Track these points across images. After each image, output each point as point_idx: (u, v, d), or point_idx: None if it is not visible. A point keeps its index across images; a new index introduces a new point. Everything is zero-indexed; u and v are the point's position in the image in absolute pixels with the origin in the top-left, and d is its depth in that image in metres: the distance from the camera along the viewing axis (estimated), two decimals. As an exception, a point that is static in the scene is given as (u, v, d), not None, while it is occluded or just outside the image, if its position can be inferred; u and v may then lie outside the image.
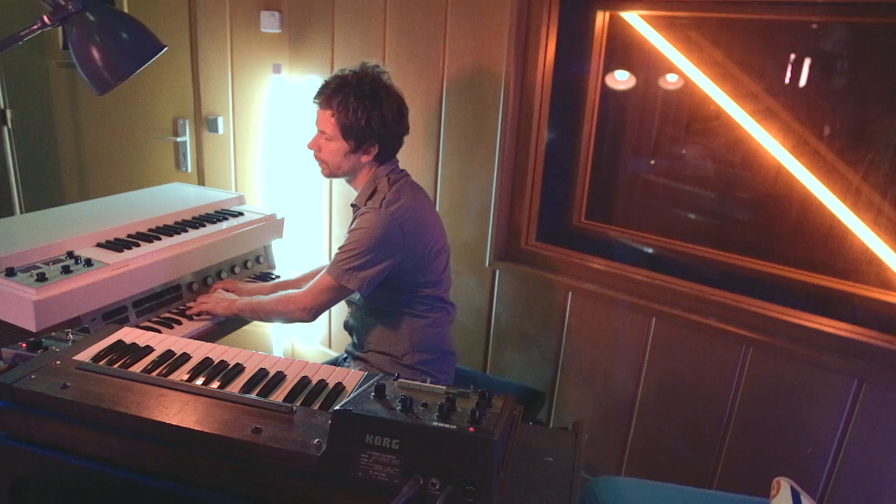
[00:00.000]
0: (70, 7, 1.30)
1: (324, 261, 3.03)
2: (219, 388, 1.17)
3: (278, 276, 2.46)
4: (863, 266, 2.04)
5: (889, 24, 1.98)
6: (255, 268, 2.51)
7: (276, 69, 2.87)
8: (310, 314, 1.90)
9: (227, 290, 2.19)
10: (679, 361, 2.17)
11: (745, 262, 2.25)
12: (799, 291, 2.11)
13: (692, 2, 2.23)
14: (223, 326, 2.15)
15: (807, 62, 2.13)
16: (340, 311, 2.30)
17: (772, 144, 2.22)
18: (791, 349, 1.94)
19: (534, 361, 2.51)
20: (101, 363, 1.22)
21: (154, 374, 1.20)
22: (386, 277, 1.86)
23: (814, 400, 1.93)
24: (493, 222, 2.50)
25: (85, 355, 1.25)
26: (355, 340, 2.10)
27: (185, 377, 1.19)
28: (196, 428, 1.03)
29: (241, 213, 2.50)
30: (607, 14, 2.47)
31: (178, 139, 3.19)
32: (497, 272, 2.54)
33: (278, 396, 1.15)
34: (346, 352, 2.14)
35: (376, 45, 2.63)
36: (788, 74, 2.15)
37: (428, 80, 2.51)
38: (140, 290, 2.04)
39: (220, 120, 3.08)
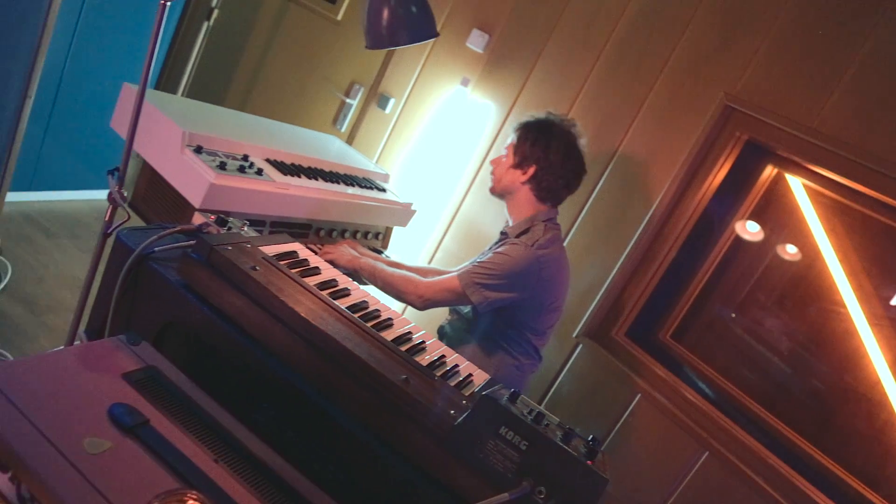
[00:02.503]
0: (390, -29, 1.49)
1: (419, 262, 3.18)
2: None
3: (388, 257, 2.61)
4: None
5: None
6: (371, 242, 2.67)
7: (464, 82, 3.06)
8: (423, 304, 2.03)
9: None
10: (712, 502, 2.23)
11: (803, 444, 2.31)
12: (843, 491, 2.16)
13: (860, 194, 2.33)
14: (334, 278, 2.30)
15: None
16: (438, 315, 2.42)
17: (873, 348, 2.30)
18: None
19: (572, 440, 2.59)
20: (281, 263, 1.37)
21: (324, 293, 1.34)
22: (504, 307, 1.99)
23: None
24: (596, 302, 2.62)
25: (269, 250, 1.40)
26: (443, 348, 2.23)
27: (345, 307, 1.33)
28: (356, 353, 1.16)
29: (384, 190, 2.67)
30: (775, 170, 2.59)
31: (347, 100, 3.40)
32: (580, 346, 2.64)
33: (421, 362, 1.28)
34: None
35: (566, 101, 2.80)
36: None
37: (599, 151, 2.65)
38: (283, 214, 2.21)
39: (392, 101, 3.28)
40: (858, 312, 2.36)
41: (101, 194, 3.97)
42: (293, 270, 1.37)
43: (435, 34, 1.60)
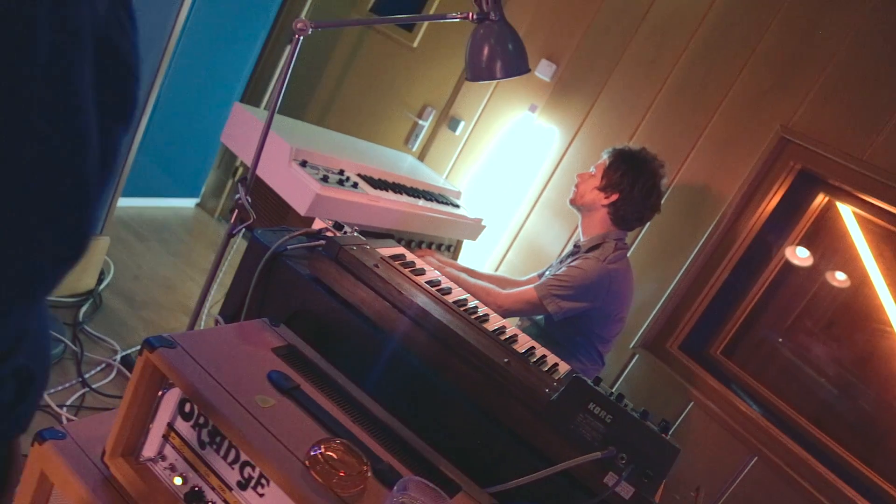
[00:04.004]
0: (491, 15, 1.72)
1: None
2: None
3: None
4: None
5: None
6: (443, 253, 2.89)
7: (533, 108, 3.28)
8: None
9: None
10: (760, 501, 2.39)
11: (849, 456, 2.45)
12: (889, 500, 2.31)
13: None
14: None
15: None
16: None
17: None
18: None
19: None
20: (396, 263, 1.60)
21: (431, 289, 1.57)
22: (575, 316, 2.19)
23: None
24: (653, 316, 2.80)
25: (383, 252, 1.63)
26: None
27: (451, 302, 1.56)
28: (466, 338, 1.38)
29: (458, 206, 2.90)
30: (826, 198, 2.75)
31: (420, 121, 3.66)
32: (636, 356, 2.83)
33: (517, 349, 1.50)
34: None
35: (628, 129, 3.00)
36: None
37: (657, 178, 2.85)
38: (370, 224, 2.45)
39: (462, 123, 3.52)
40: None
41: (184, 203, 4.29)
42: (405, 270, 1.60)
43: (527, 70, 1.83)
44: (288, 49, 4.13)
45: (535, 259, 3.18)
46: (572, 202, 2.39)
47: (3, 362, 0.56)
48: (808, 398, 2.69)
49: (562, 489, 1.25)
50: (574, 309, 2.19)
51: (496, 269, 3.36)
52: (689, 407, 2.64)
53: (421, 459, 1.25)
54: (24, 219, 0.47)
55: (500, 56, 1.77)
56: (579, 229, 2.39)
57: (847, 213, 2.71)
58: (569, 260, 2.32)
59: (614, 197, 2.27)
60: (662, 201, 2.66)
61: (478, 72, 1.79)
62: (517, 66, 1.79)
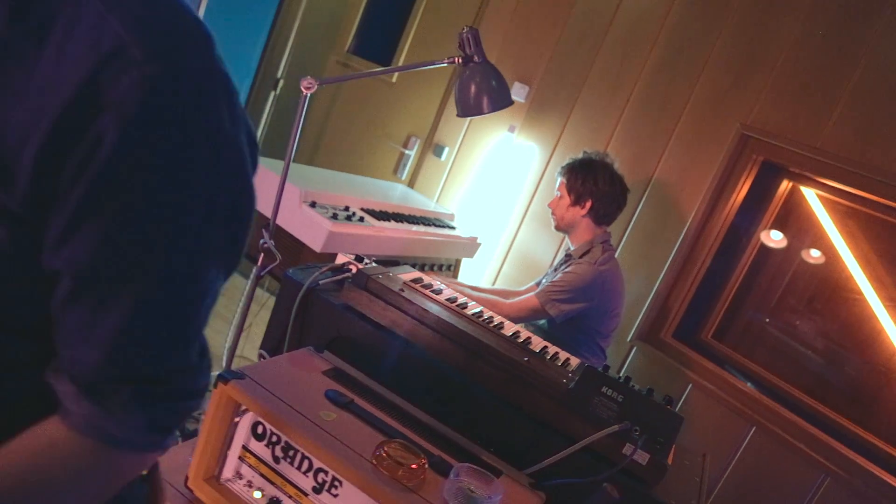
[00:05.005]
0: (475, 58, 1.95)
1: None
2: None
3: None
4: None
5: None
6: (445, 273, 3.11)
7: (511, 129, 3.51)
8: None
9: (435, 279, 2.79)
10: (763, 470, 2.60)
11: (837, 417, 2.68)
12: (882, 454, 2.53)
13: (865, 199, 2.72)
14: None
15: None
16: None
17: (889, 326, 2.67)
18: (864, 490, 2.36)
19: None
20: (417, 285, 1.81)
21: (452, 305, 1.77)
22: (575, 316, 2.41)
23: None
24: (645, 310, 3.02)
25: (404, 277, 1.84)
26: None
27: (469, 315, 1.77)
28: (489, 343, 1.59)
29: (453, 227, 3.11)
30: (790, 184, 2.99)
31: (406, 151, 3.88)
32: (634, 348, 3.04)
33: (533, 349, 1.71)
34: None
35: (603, 138, 3.24)
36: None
37: (636, 179, 3.07)
38: (377, 253, 2.65)
39: (446, 149, 3.74)
40: (875, 298, 2.74)
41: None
42: (426, 290, 1.80)
43: (510, 102, 2.05)
44: (272, 96, 4.36)
45: (530, 269, 3.39)
46: (557, 228, 2.62)
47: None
48: (797, 369, 2.91)
49: (587, 463, 1.45)
50: (573, 310, 2.40)
51: (494, 282, 3.57)
52: (689, 389, 2.86)
53: (464, 451, 1.45)
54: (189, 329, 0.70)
55: (485, 93, 1.99)
56: (567, 241, 2.62)
57: (811, 195, 2.96)
58: (563, 267, 2.54)
59: (588, 203, 2.50)
60: (642, 201, 2.89)
61: (467, 109, 2.01)
62: (501, 100, 2.01)
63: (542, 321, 2.52)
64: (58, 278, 0.61)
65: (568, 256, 2.58)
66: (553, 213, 2.61)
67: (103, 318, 0.62)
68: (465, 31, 1.96)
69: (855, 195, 2.74)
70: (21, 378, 0.67)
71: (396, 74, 3.97)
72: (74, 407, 0.64)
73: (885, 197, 2.59)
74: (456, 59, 1.96)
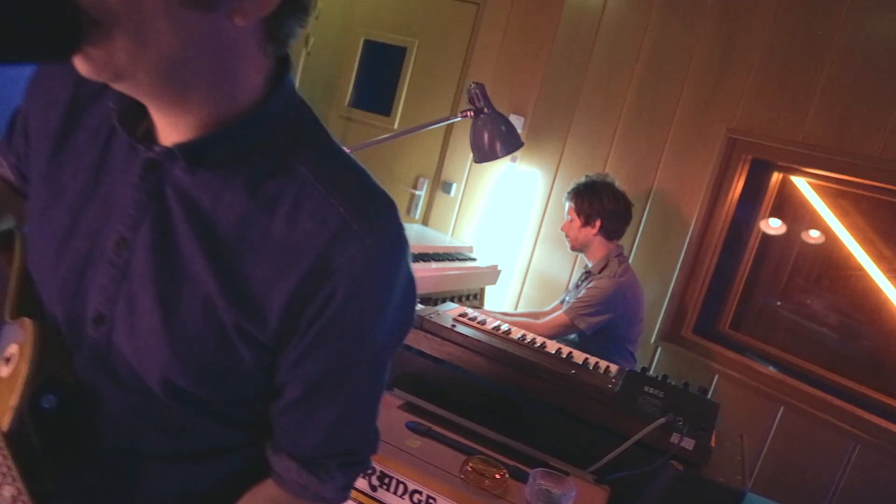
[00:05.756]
0: (485, 109, 2.18)
1: (506, 309, 3.80)
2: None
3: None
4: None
5: None
6: (472, 302, 3.32)
7: (513, 159, 3.74)
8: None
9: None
10: (797, 446, 2.79)
11: (858, 386, 2.87)
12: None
13: (851, 181, 2.94)
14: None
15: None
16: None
17: (892, 294, 2.88)
18: (893, 451, 2.55)
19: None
20: (464, 318, 2.02)
21: (498, 332, 1.99)
22: (603, 327, 2.62)
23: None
24: (664, 311, 3.23)
25: (451, 313, 2.05)
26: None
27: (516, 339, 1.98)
28: (538, 362, 1.80)
29: (474, 259, 3.33)
30: (781, 175, 3.22)
31: (416, 192, 4.11)
32: (659, 348, 3.25)
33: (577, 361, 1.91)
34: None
35: (601, 157, 3.47)
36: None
37: (638, 191, 3.29)
38: (412, 293, 2.86)
39: (454, 185, 3.97)
40: (877, 272, 2.95)
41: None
42: (474, 322, 2.02)
43: (520, 144, 2.27)
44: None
45: (549, 287, 3.60)
46: (573, 249, 2.85)
47: None
48: (814, 347, 3.11)
49: (640, 455, 1.65)
50: (601, 321, 2.61)
51: (516, 304, 3.78)
52: (716, 379, 3.06)
53: (533, 458, 1.65)
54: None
55: (498, 139, 2.22)
56: (584, 259, 2.83)
57: (801, 183, 3.18)
58: (584, 283, 2.75)
59: (598, 222, 2.72)
60: (645, 211, 3.11)
61: (483, 155, 2.24)
62: (513, 143, 2.24)
63: (573, 335, 2.73)
64: (282, 388, 0.84)
65: (588, 273, 2.80)
66: (567, 236, 2.83)
67: (322, 414, 0.84)
68: (472, 87, 2.20)
69: (841, 179, 2.96)
70: (236, 457, 0.91)
71: (397, 121, 4.22)
72: (294, 476, 0.87)
73: (867, 178, 2.81)
74: (468, 112, 2.20)
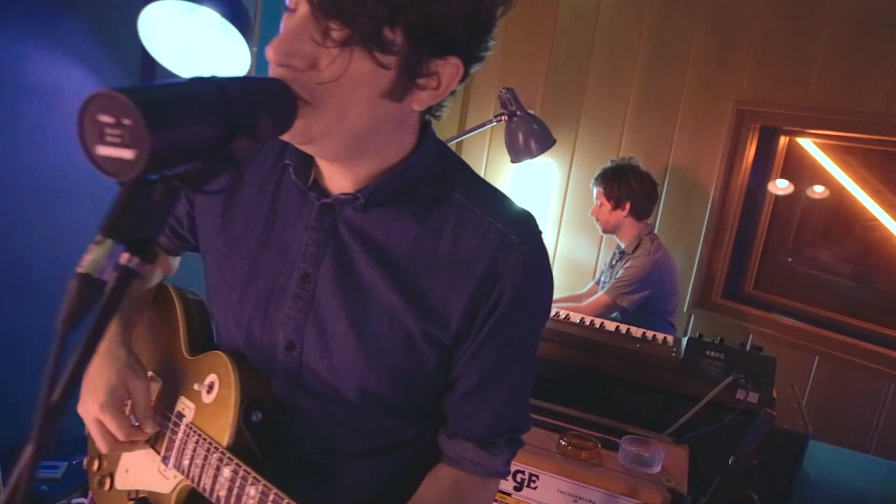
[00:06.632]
0: (518, 112, 2.34)
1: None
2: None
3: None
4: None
5: None
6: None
7: (528, 152, 3.90)
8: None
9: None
10: (837, 391, 2.96)
11: (885, 329, 3.05)
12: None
13: (857, 137, 3.11)
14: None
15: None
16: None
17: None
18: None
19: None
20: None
21: (558, 319, 2.14)
22: (643, 303, 2.78)
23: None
24: (693, 280, 3.40)
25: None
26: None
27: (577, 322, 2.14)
28: (603, 340, 1.96)
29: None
30: (788, 139, 3.38)
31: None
32: (692, 316, 3.41)
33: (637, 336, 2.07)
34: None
35: (614, 141, 3.63)
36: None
37: (656, 170, 3.42)
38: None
39: (473, 184, 4.12)
40: (888, 218, 3.11)
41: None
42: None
43: (553, 141, 2.43)
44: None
45: (577, 272, 3.76)
46: (605, 231, 3.00)
47: None
48: (835, 297, 3.28)
49: (710, 413, 1.82)
50: (641, 297, 2.77)
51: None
52: (750, 338, 3.22)
53: (616, 429, 1.81)
54: None
55: (532, 138, 2.38)
56: (616, 240, 3.00)
57: (807, 143, 3.34)
58: (620, 263, 2.91)
59: (628, 204, 2.88)
60: (665, 188, 3.27)
61: (519, 154, 2.40)
62: (546, 141, 2.40)
63: (615, 315, 2.89)
64: (458, 381, 0.99)
65: (622, 253, 2.96)
66: (598, 220, 2.99)
67: (494, 398, 1.00)
68: (503, 92, 2.36)
69: (847, 136, 3.13)
70: (411, 449, 1.07)
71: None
72: (471, 455, 1.02)
73: (872, 133, 2.98)
74: (503, 116, 2.35)
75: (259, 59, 2.17)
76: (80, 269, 0.56)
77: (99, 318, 0.58)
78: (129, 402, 1.04)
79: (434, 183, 0.95)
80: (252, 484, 0.90)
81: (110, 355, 1.04)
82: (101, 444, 1.01)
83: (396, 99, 0.82)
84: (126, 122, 0.55)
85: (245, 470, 0.91)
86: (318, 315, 0.96)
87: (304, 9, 0.78)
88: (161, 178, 0.60)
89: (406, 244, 0.93)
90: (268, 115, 0.71)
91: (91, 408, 1.00)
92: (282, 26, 0.81)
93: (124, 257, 0.58)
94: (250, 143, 0.68)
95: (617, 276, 2.83)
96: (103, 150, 0.56)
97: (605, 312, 2.82)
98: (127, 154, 0.56)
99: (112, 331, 1.07)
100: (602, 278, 3.08)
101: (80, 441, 1.23)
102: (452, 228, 0.93)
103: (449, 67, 0.84)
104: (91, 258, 0.56)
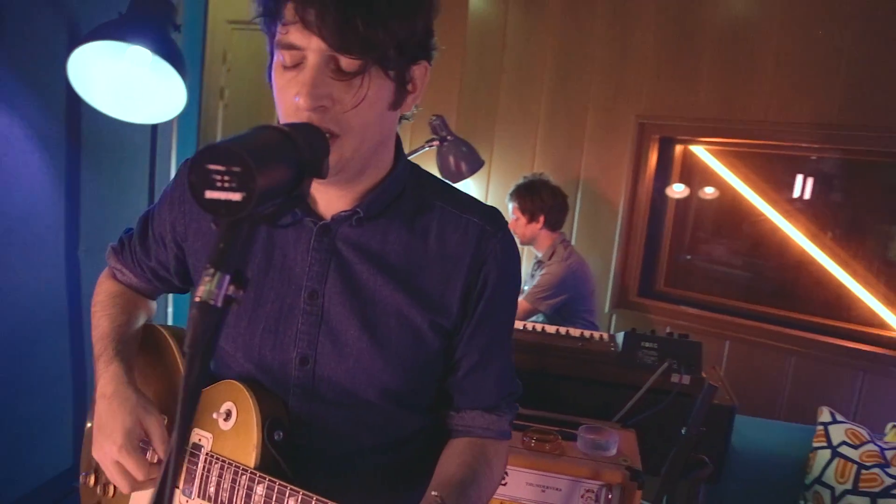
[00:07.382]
0: (448, 137, 2.50)
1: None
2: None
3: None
4: (852, 310, 3.22)
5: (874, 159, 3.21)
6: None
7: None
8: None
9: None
10: (748, 369, 3.27)
11: (777, 310, 3.39)
12: (819, 326, 3.25)
13: (735, 142, 3.46)
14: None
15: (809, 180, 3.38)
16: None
17: (794, 233, 3.41)
18: (822, 356, 3.07)
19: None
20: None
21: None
22: (561, 306, 2.99)
23: (837, 385, 3.06)
24: (611, 282, 3.65)
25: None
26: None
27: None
28: (549, 343, 2.13)
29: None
30: (683, 147, 3.71)
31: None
32: (614, 315, 3.67)
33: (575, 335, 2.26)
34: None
35: (527, 157, 3.85)
36: (798, 187, 3.40)
37: (567, 181, 3.66)
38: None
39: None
40: (773, 213, 3.47)
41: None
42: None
43: (482, 163, 2.61)
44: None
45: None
46: (522, 244, 3.21)
47: None
48: (734, 287, 3.62)
49: (649, 398, 2.01)
50: (558, 301, 2.99)
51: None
52: (668, 330, 3.49)
53: (569, 422, 1.98)
54: None
55: (462, 160, 2.54)
56: (534, 251, 3.22)
57: (699, 150, 3.67)
58: (537, 272, 3.12)
59: (542, 217, 3.11)
60: (578, 199, 3.51)
61: (451, 177, 2.56)
62: (475, 163, 2.58)
63: (539, 317, 3.09)
64: (460, 361, 1.12)
65: (539, 262, 3.18)
66: (515, 233, 3.19)
67: (493, 369, 1.14)
68: (433, 119, 2.52)
69: (735, 143, 3.47)
70: (418, 440, 1.18)
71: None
72: (480, 421, 1.15)
73: (753, 138, 3.34)
74: (434, 142, 2.51)
75: (190, 93, 2.14)
76: (197, 299, 0.65)
77: (202, 345, 0.67)
78: (148, 442, 1.08)
79: (413, 193, 1.10)
80: (291, 495, 0.99)
81: (120, 397, 1.09)
82: (122, 485, 1.06)
83: (396, 108, 0.99)
84: (236, 169, 0.66)
85: (280, 484, 0.99)
86: (330, 326, 1.07)
87: (313, 57, 0.90)
88: (249, 217, 0.70)
89: (400, 249, 1.07)
90: (326, 157, 0.83)
91: (109, 450, 1.04)
92: (278, 81, 0.94)
93: (231, 288, 0.68)
94: (311, 182, 0.81)
95: (534, 284, 3.04)
96: (212, 195, 0.67)
97: (525, 317, 3.01)
98: (235, 196, 0.67)
99: (117, 374, 1.13)
100: (525, 287, 3.28)
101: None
102: (437, 229, 1.08)
103: (420, 70, 1.02)
104: (205, 288, 0.66)
